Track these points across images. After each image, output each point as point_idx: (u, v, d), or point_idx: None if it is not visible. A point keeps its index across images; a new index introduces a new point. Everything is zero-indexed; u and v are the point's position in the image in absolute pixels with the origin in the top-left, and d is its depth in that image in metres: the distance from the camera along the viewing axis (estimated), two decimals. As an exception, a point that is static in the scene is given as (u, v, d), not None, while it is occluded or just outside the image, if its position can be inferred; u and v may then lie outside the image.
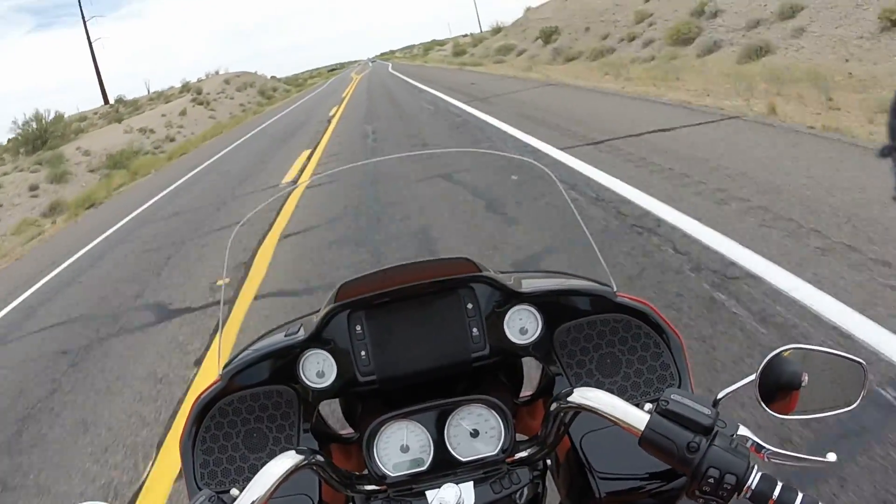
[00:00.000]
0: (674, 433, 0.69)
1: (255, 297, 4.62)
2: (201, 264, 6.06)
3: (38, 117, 27.33)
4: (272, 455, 0.80)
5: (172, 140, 27.12)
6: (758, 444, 0.70)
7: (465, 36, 75.41)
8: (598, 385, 0.95)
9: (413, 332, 0.96)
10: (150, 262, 6.73)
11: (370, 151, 9.87)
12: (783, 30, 11.44)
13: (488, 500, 0.81)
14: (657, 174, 5.25)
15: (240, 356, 1.01)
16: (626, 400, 0.75)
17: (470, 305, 0.96)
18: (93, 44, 58.38)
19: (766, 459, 0.71)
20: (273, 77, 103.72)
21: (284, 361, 0.97)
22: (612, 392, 0.79)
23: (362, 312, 0.96)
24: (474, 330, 0.95)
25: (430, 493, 0.81)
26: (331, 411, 1.16)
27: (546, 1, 34.00)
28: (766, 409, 0.77)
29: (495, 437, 0.84)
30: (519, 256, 4.16)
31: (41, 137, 26.41)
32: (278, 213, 6.86)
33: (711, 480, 0.66)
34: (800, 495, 0.65)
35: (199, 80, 56.30)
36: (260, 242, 5.98)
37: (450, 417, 0.85)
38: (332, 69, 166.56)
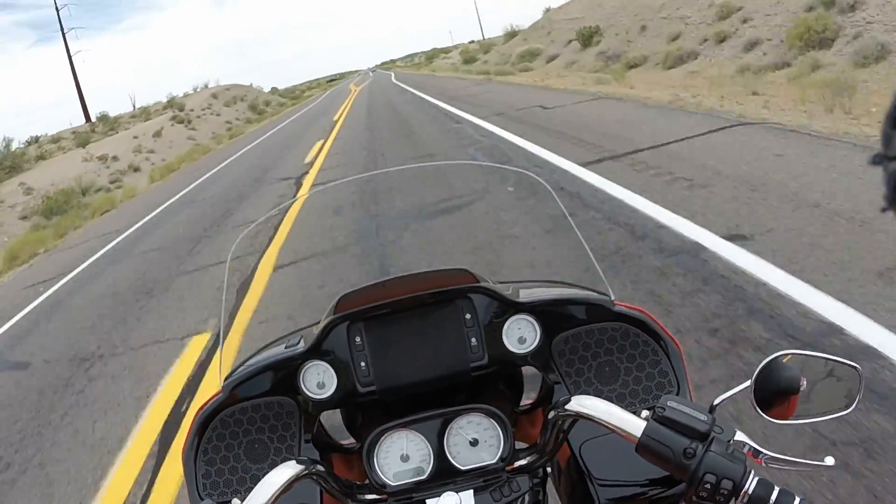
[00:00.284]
0: (670, 440, 0.69)
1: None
2: None
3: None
4: (273, 465, 0.79)
5: (136, 170, 22.73)
6: (755, 449, 0.70)
7: (472, 42, 70.91)
8: (597, 393, 0.94)
9: (412, 342, 0.95)
10: None
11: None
12: None
13: None
14: None
15: (241, 368, 1.01)
16: (625, 407, 0.75)
17: (468, 316, 0.96)
18: (73, 57, 54.49)
19: (763, 464, 0.71)
20: (274, 88, 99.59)
21: (285, 373, 0.96)
22: (610, 400, 0.78)
23: (361, 324, 0.96)
24: (473, 340, 0.95)
25: (430, 502, 0.82)
26: (331, 421, 1.10)
27: (568, 0, 29.72)
28: (763, 414, 0.77)
29: (495, 445, 0.84)
30: None
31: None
32: None
33: (708, 486, 0.66)
34: (797, 499, 0.65)
35: (186, 95, 52.00)
36: None
37: (449, 426, 0.85)
38: (332, 80, 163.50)
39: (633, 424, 0.71)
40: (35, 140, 49.45)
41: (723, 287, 3.14)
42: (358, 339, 0.94)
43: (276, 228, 6.74)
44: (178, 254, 7.28)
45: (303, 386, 0.95)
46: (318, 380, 0.95)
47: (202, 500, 0.80)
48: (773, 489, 0.65)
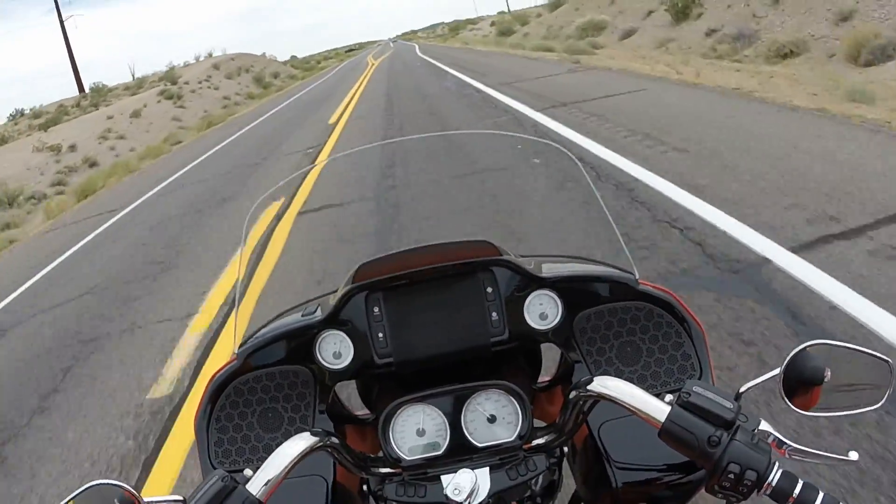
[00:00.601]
0: (695, 426, 0.66)
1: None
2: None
3: None
4: (287, 435, 0.78)
5: (93, 165, 18.02)
6: (779, 439, 0.68)
7: (501, 13, 64.85)
8: (618, 374, 0.92)
9: (431, 314, 0.93)
10: None
11: None
12: None
13: (504, 487, 0.79)
14: None
15: (255, 336, 0.98)
16: (646, 390, 0.73)
17: (490, 289, 0.93)
18: (65, 23, 49.46)
19: (787, 456, 0.69)
20: (293, 56, 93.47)
21: (301, 342, 0.95)
22: (631, 381, 0.75)
23: (380, 294, 0.93)
24: (493, 314, 0.93)
25: (445, 478, 0.79)
26: (346, 392, 1.11)
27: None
28: (790, 404, 0.73)
29: (513, 423, 0.82)
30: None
31: None
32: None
33: (732, 476, 0.64)
34: (821, 494, 0.63)
35: (187, 65, 46.92)
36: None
37: (467, 402, 0.82)
38: (350, 49, 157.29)
39: (657, 409, 0.69)
40: (20, 114, 44.87)
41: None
42: (376, 309, 0.93)
43: None
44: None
45: (319, 355, 0.94)
46: (335, 349, 0.94)
47: (214, 468, 0.76)
48: (797, 482, 0.63)
